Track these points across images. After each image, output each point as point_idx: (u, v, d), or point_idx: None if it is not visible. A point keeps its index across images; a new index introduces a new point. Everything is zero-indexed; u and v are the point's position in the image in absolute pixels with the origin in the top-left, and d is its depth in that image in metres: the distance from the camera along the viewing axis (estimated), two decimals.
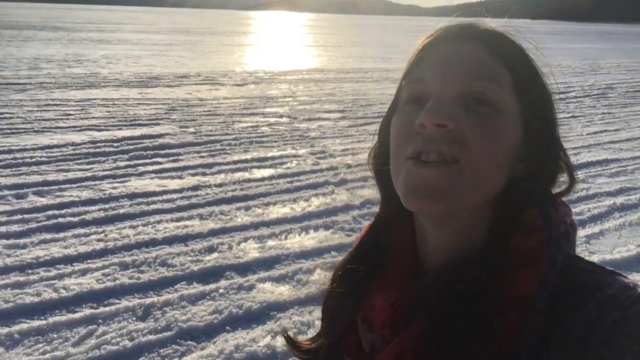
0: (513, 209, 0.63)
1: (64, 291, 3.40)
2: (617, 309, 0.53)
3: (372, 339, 0.68)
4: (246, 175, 5.99)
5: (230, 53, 23.34)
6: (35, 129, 7.76)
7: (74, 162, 6.21)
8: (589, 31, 69.46)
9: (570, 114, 10.06)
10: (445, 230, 0.66)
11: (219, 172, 6.06)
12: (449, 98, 0.61)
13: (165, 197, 5.17)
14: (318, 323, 2.67)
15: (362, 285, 0.72)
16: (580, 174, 6.19)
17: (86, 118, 8.65)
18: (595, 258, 4.02)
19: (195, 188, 5.47)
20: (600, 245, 4.32)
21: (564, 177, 0.68)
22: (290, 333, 0.80)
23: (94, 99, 10.35)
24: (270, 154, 6.88)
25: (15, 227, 4.33)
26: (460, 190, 0.60)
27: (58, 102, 9.85)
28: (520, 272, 0.58)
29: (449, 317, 0.59)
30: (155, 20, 60.17)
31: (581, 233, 4.47)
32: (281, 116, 9.55)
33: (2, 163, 6.01)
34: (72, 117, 8.68)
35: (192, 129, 8.15)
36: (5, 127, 7.76)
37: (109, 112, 9.24)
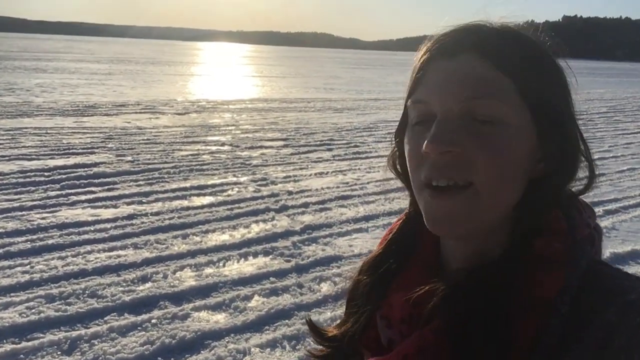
0: (535, 211, 0.62)
1: None
2: (638, 314, 0.53)
3: (390, 334, 0.69)
4: (185, 203, 5.87)
5: (173, 82, 23.13)
6: None
7: (1, 192, 5.90)
8: None
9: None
10: (467, 241, 0.66)
11: (156, 200, 5.90)
12: (451, 120, 0.61)
13: (97, 226, 4.98)
14: (254, 350, 2.62)
15: (386, 279, 0.72)
16: None
17: (16, 147, 8.28)
18: None
19: (131, 217, 5.30)
20: None
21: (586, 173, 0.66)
22: (313, 318, 0.77)
23: (25, 128, 9.95)
24: (210, 182, 6.78)
25: None
26: (480, 212, 0.61)
27: None
28: (543, 274, 0.58)
29: (469, 317, 0.58)
30: (96, 49, 58.98)
31: None
32: (223, 144, 9.47)
33: None
34: (1, 146, 8.30)
35: (129, 158, 7.94)
36: None
37: (41, 141, 8.89)
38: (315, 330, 0.80)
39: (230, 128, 11.35)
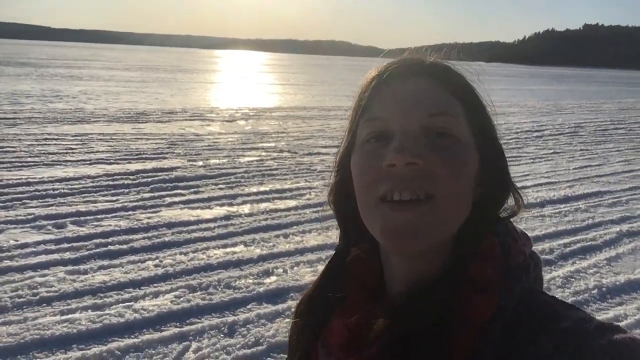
0: (473, 234, 0.64)
1: (144, 312, 3.53)
2: (572, 343, 0.53)
3: None
4: (271, 205, 6.20)
5: (206, 90, 23.65)
6: (45, 162, 7.78)
7: (98, 193, 6.29)
8: (543, 74, 73.19)
9: (552, 150, 10.72)
10: (410, 261, 0.66)
11: (243, 202, 6.24)
12: (413, 135, 0.62)
13: (202, 225, 5.32)
14: None
15: (325, 312, 0.72)
16: (581, 204, 6.69)
17: (91, 152, 8.70)
18: (621, 278, 4.42)
19: (227, 217, 5.64)
20: (621, 267, 4.73)
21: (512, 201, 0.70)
22: None
23: (90, 134, 10.38)
24: (286, 186, 7.11)
25: (68, 255, 4.41)
26: (440, 225, 0.61)
27: (55, 137, 9.85)
28: (475, 298, 0.59)
29: (408, 344, 0.58)
30: (121, 57, 60.02)
31: (600, 257, 4.88)
32: (281, 151, 9.82)
33: (26, 195, 6.03)
34: (76, 151, 8.72)
35: (200, 163, 8.32)
36: (13, 160, 7.75)
37: (110, 146, 9.31)
38: None
39: (281, 135, 11.71)
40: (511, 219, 0.69)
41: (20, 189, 6.27)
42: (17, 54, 50.17)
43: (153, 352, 3.11)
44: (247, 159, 8.90)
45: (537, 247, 5.12)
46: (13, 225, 5.06)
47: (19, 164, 7.53)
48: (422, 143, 0.61)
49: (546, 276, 4.35)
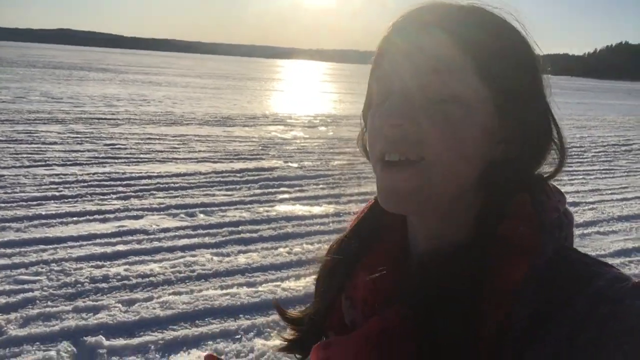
0: (500, 194, 0.61)
1: (293, 291, 3.92)
2: (607, 303, 0.51)
3: (354, 315, 0.69)
4: None
5: (278, 97, 24.39)
6: (156, 158, 8.41)
7: (214, 188, 6.79)
8: (616, 88, 70.61)
9: None
10: (427, 221, 0.65)
11: (349, 202, 6.58)
12: (406, 95, 0.60)
13: (318, 220, 5.69)
14: None
15: (352, 260, 0.72)
16: None
17: (193, 151, 9.31)
18: None
19: (338, 214, 5.99)
20: None
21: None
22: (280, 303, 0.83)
23: (187, 135, 11.05)
24: None
25: (207, 240, 4.87)
26: (429, 188, 0.60)
27: (157, 137, 10.56)
28: (507, 260, 0.56)
29: (433, 304, 0.57)
30: (191, 65, 62.34)
31: None
32: None
33: (151, 187, 6.60)
34: (180, 150, 9.35)
35: (295, 164, 8.74)
36: (128, 156, 8.43)
37: (208, 147, 9.90)
38: (281, 313, 0.80)
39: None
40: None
41: (144, 181, 6.86)
42: (96, 60, 53.09)
43: None
44: (337, 162, 9.26)
45: None
46: (150, 212, 5.59)
47: (135, 160, 8.19)
48: (413, 103, 0.60)
49: None
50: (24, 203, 5.61)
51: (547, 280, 0.55)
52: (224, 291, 3.84)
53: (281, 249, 4.74)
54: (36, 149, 8.46)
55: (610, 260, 4.99)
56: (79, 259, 4.23)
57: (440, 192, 0.60)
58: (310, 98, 25.49)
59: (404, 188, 0.60)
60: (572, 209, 5.52)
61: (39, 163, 7.51)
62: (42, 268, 4.01)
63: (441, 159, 0.58)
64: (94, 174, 7.09)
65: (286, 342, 0.79)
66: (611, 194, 7.75)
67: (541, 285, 0.54)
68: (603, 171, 9.63)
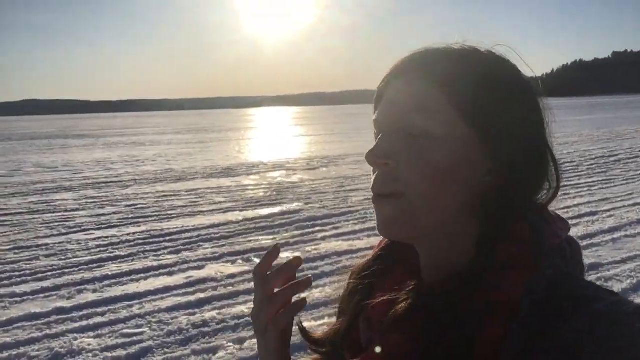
0: (496, 222, 0.63)
1: None
2: (606, 323, 0.52)
3: (371, 335, 0.71)
4: None
5: (265, 144, 24.88)
6: (184, 213, 8.65)
7: (253, 234, 7.06)
8: (578, 105, 73.25)
9: (639, 172, 11.25)
10: (426, 248, 0.69)
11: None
12: (390, 134, 0.65)
13: (365, 253, 5.98)
14: None
15: (372, 282, 0.76)
16: None
17: (214, 203, 9.57)
18: None
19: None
20: None
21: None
22: (305, 324, 0.82)
23: (199, 189, 11.30)
24: None
25: None
26: (414, 219, 0.63)
27: (171, 194, 10.79)
28: (505, 282, 0.58)
29: (435, 327, 0.59)
30: (164, 122, 62.83)
31: None
32: None
33: (194, 239, 6.84)
34: (202, 203, 9.60)
35: (317, 205, 9.06)
36: (154, 214, 8.64)
37: (226, 197, 10.17)
38: (304, 334, 0.82)
39: (370, 177, 12.41)
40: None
41: (185, 235, 7.10)
42: (68, 127, 53.15)
43: None
44: (355, 199, 9.60)
45: None
46: (208, 262, 5.84)
47: (164, 217, 8.41)
48: (395, 142, 0.64)
49: None
50: (84, 266, 5.80)
51: (545, 301, 0.56)
52: (314, 323, 4.11)
53: (342, 282, 5.01)
54: (63, 217, 8.64)
55: None
56: (168, 310, 4.45)
57: (424, 222, 0.64)
58: (293, 142, 26.03)
59: (391, 220, 0.64)
60: (591, 218, 6.01)
61: (75, 229, 7.70)
62: (141, 321, 4.22)
63: (418, 191, 0.62)
64: (133, 233, 7.29)
65: None
66: (621, 200, 8.23)
67: (539, 305, 0.55)
68: (603, 182, 10.20)
